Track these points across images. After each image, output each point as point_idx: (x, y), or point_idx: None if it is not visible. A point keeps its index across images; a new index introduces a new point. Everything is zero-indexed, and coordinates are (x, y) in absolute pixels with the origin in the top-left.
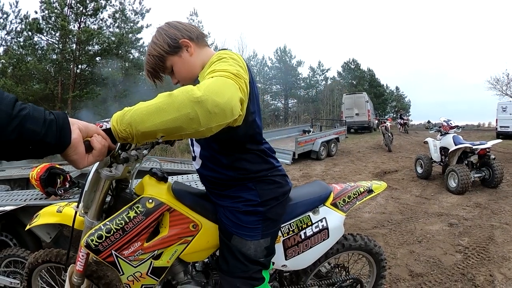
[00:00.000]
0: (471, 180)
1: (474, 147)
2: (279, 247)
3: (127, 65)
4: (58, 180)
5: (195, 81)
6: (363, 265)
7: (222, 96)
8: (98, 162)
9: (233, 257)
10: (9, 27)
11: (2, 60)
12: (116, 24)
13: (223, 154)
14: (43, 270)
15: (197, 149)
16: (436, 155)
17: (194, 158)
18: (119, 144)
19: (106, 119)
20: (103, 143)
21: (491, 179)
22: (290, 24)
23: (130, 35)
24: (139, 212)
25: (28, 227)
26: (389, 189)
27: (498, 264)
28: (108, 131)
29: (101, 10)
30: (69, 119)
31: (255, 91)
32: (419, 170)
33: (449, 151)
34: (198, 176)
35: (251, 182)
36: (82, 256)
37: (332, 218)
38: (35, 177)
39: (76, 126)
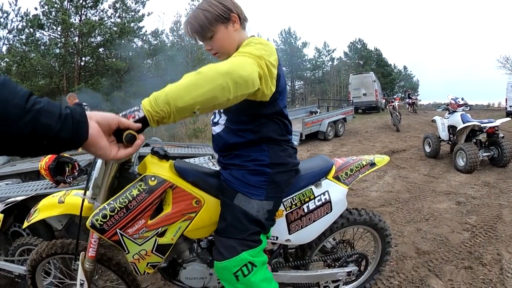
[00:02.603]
0: (480, 159)
1: (482, 125)
2: (282, 221)
3: (130, 54)
4: (67, 169)
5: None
6: (369, 241)
7: (244, 70)
8: None
9: (234, 217)
10: (10, 25)
11: (6, 59)
12: (117, 14)
13: (248, 122)
14: (48, 263)
15: (224, 116)
16: (444, 134)
17: (215, 124)
18: None
19: (135, 108)
20: (142, 138)
21: (500, 158)
22: (294, 5)
23: (132, 24)
24: (142, 190)
25: (26, 224)
26: (397, 168)
27: (506, 243)
28: (140, 120)
29: (101, 1)
30: (87, 112)
31: (281, 73)
32: (427, 149)
33: (457, 129)
34: (205, 159)
35: (265, 144)
36: (94, 241)
37: (334, 191)
38: (44, 167)
39: (94, 120)
